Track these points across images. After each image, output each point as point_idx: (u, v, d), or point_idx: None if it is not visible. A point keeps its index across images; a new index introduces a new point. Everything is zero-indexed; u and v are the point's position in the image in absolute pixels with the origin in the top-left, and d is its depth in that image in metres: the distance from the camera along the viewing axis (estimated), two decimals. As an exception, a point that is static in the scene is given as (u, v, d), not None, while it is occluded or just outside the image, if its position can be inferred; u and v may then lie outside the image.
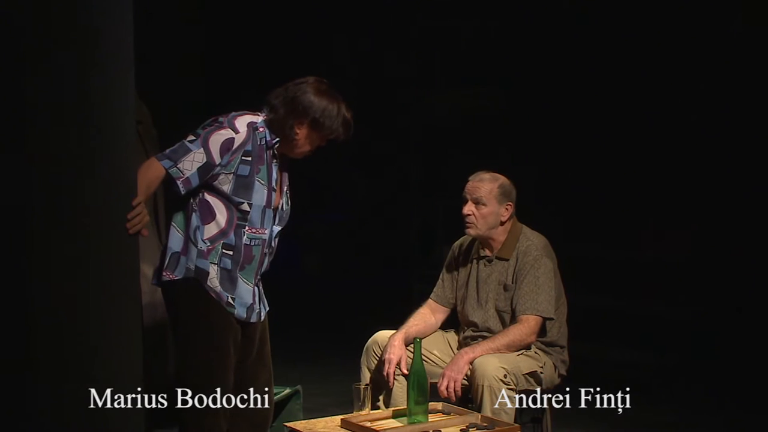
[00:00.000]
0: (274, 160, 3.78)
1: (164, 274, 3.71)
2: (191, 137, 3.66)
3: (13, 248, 2.87)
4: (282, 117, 3.72)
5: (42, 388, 2.89)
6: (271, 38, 10.59)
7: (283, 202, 3.86)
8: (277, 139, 3.75)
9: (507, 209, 4.42)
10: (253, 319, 3.82)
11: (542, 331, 4.37)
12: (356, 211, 11.45)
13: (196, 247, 3.68)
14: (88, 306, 2.97)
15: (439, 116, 9.59)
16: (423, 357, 4.09)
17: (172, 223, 3.75)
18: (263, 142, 3.73)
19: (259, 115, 3.77)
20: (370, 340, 4.51)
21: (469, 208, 4.40)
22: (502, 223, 4.43)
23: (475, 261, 4.53)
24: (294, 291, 10.46)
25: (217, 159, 3.64)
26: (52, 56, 2.87)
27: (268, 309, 3.93)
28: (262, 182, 3.73)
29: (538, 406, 4.43)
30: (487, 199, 4.38)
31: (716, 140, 7.10)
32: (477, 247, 4.53)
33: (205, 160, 3.63)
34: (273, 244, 3.86)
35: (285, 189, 3.88)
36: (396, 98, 10.32)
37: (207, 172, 3.64)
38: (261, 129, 3.73)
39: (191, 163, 3.61)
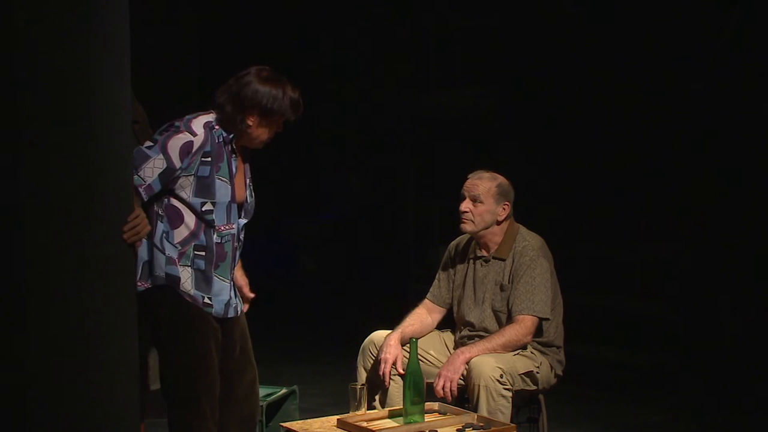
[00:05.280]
0: (234, 155, 3.81)
1: (138, 283, 3.72)
2: (149, 143, 3.67)
3: (8, 250, 2.87)
4: (231, 113, 3.75)
5: (39, 388, 2.88)
6: (265, 38, 10.59)
7: (247, 194, 3.90)
8: (232, 135, 3.78)
9: (504, 209, 4.43)
10: (230, 314, 3.84)
11: (538, 332, 4.37)
12: (352, 211, 11.45)
13: (164, 254, 3.70)
14: (84, 306, 2.96)
15: (434, 116, 9.59)
16: (419, 357, 4.09)
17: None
18: (221, 140, 3.76)
19: (211, 113, 3.80)
20: (366, 340, 4.51)
21: (466, 205, 4.41)
22: (499, 223, 4.44)
23: (471, 261, 4.53)
24: (290, 291, 10.48)
25: (177, 163, 3.66)
26: (47, 55, 2.87)
27: (242, 306, 3.97)
28: (224, 179, 3.76)
29: (534, 406, 4.43)
30: (484, 197, 4.39)
31: (715, 140, 7.10)
32: (474, 247, 4.53)
33: (165, 165, 3.65)
34: (240, 237, 3.89)
35: (248, 182, 3.91)
36: (391, 98, 10.32)
37: (168, 177, 3.66)
38: (217, 127, 3.77)
39: (152, 169, 3.63)
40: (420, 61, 9.68)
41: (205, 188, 3.71)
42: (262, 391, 4.69)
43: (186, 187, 3.70)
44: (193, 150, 3.68)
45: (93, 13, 2.96)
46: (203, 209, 3.72)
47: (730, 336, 6.89)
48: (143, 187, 3.62)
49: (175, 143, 3.66)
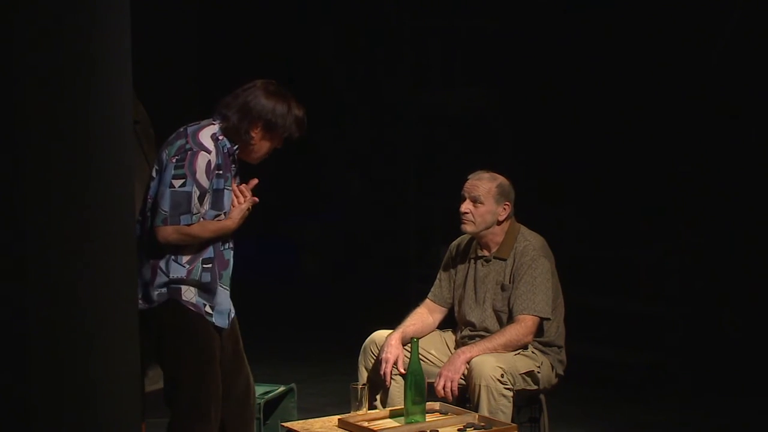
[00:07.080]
0: (233, 165, 3.85)
1: (139, 302, 3.74)
2: (179, 180, 3.68)
3: (8, 250, 2.87)
4: (236, 123, 3.77)
5: (40, 388, 2.89)
6: (264, 37, 10.59)
7: None
8: (237, 146, 3.80)
9: (504, 209, 4.42)
10: (228, 325, 3.90)
11: (539, 331, 4.37)
12: (353, 211, 11.45)
13: (168, 276, 3.74)
14: (84, 306, 2.96)
15: (435, 116, 9.58)
16: (420, 357, 4.09)
17: (143, 252, 3.77)
18: (225, 150, 3.79)
19: (213, 123, 3.81)
20: (367, 339, 4.52)
21: (466, 206, 4.41)
22: (499, 223, 4.44)
23: (472, 261, 4.53)
24: (292, 291, 10.47)
25: (206, 185, 3.73)
26: (47, 55, 2.87)
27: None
28: (229, 189, 3.81)
29: (535, 405, 4.44)
30: (484, 198, 4.39)
31: (715, 140, 7.10)
32: (475, 247, 4.53)
33: (199, 192, 3.71)
34: (232, 244, 3.95)
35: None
36: (392, 98, 10.32)
37: (203, 200, 3.73)
38: (221, 137, 3.78)
39: (197, 204, 3.71)
40: (420, 61, 9.67)
41: (218, 200, 3.76)
42: (260, 389, 4.70)
43: (204, 203, 3.73)
44: (213, 167, 3.73)
45: (94, 12, 2.96)
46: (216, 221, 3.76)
47: (730, 336, 6.89)
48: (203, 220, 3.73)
49: (201, 166, 3.70)
